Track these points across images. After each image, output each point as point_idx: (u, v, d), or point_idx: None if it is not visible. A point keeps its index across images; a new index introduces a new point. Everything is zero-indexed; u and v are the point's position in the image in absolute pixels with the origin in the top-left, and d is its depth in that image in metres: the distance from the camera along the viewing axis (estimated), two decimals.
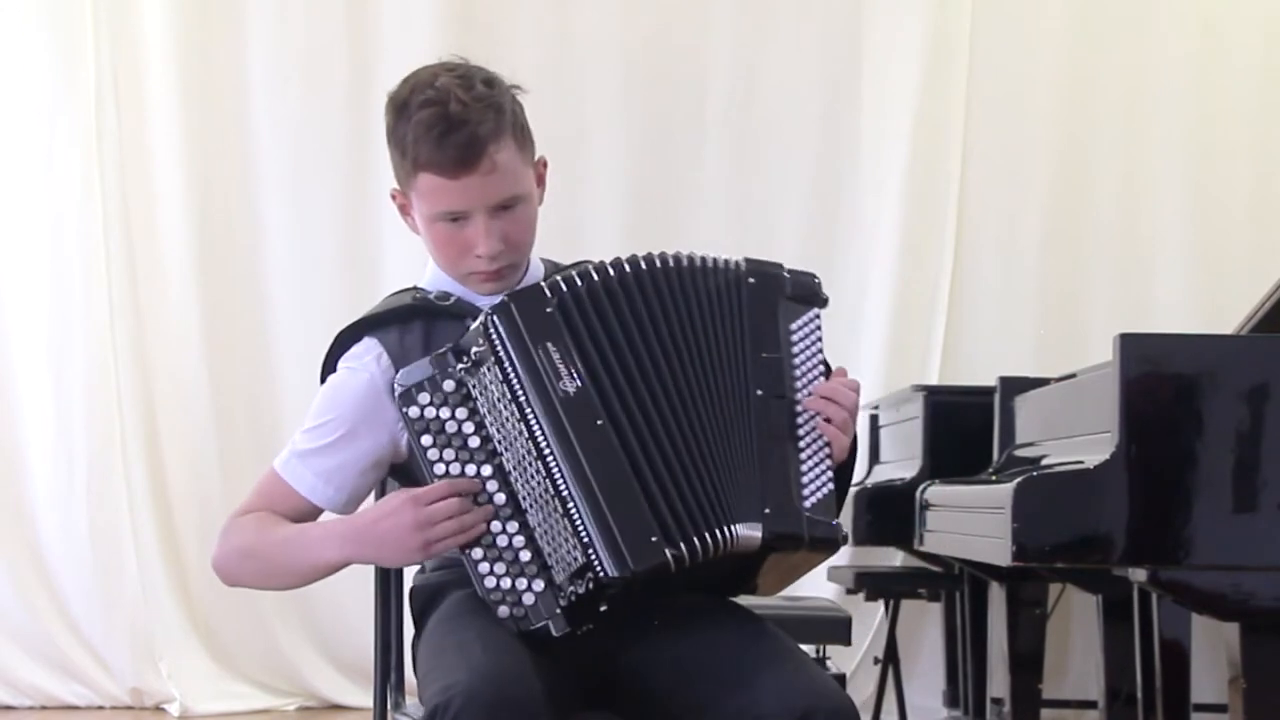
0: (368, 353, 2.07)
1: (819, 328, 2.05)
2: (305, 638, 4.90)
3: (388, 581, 2.33)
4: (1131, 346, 2.62)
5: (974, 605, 4.05)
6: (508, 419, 1.93)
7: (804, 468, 1.98)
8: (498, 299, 2.00)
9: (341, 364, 2.09)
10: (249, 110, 4.92)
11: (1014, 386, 3.52)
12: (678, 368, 1.98)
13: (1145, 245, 4.91)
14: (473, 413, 1.95)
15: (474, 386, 1.95)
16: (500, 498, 1.94)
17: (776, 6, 4.97)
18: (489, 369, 1.94)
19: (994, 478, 3.33)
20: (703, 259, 2.04)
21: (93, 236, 4.83)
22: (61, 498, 4.85)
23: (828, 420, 2.00)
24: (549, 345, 1.94)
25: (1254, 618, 2.59)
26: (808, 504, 1.96)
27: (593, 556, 1.88)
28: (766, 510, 1.94)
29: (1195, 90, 4.91)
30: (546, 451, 1.91)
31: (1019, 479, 2.67)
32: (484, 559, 1.93)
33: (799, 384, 2.01)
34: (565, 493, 1.90)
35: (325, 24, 4.91)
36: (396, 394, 1.96)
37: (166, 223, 4.89)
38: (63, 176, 4.86)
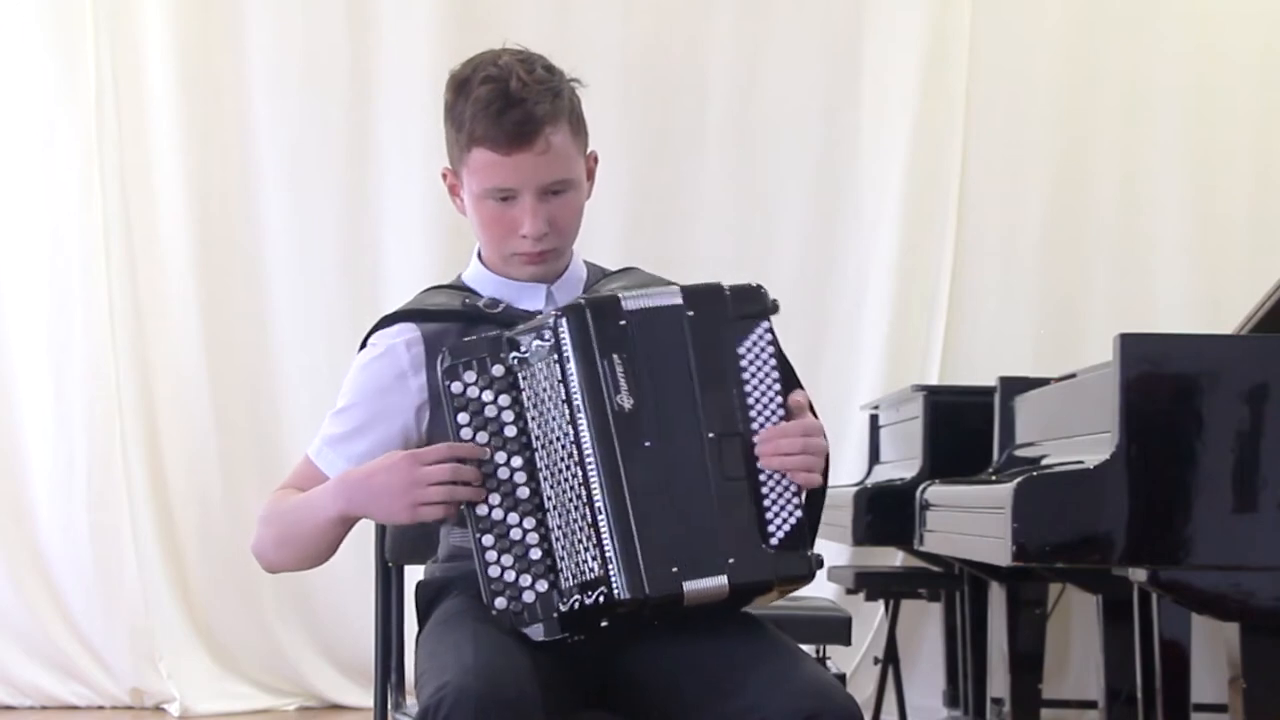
0: (400, 335, 2.09)
1: (771, 340, 1.98)
2: (305, 638, 4.90)
3: (388, 581, 2.34)
4: (1131, 346, 2.62)
5: (974, 605, 4.05)
6: (553, 418, 1.92)
7: (766, 502, 1.94)
8: (568, 300, 2.00)
9: (371, 341, 2.12)
10: (249, 110, 4.92)
11: (1014, 386, 3.52)
12: (677, 405, 1.95)
13: (1145, 245, 4.91)
14: (515, 402, 1.94)
15: (524, 378, 1.94)
16: (524, 492, 1.93)
17: (776, 7, 4.96)
18: (547, 365, 1.93)
19: (994, 478, 3.33)
20: (660, 291, 1.98)
21: (93, 236, 4.83)
22: (61, 498, 4.85)
23: (788, 455, 1.93)
24: (615, 357, 1.93)
25: (1254, 618, 2.59)
26: (774, 540, 1.93)
27: (611, 572, 1.88)
28: (731, 560, 1.91)
29: (1195, 90, 4.90)
30: (589, 459, 1.90)
31: (1019, 479, 2.67)
32: (494, 547, 1.91)
33: (753, 411, 1.95)
34: (598, 503, 1.89)
35: (325, 24, 4.91)
36: (441, 366, 1.95)
37: (166, 223, 4.89)
38: (63, 177, 4.86)
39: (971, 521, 2.99)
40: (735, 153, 4.95)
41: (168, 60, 4.87)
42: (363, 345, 2.14)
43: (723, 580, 1.91)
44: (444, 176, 2.13)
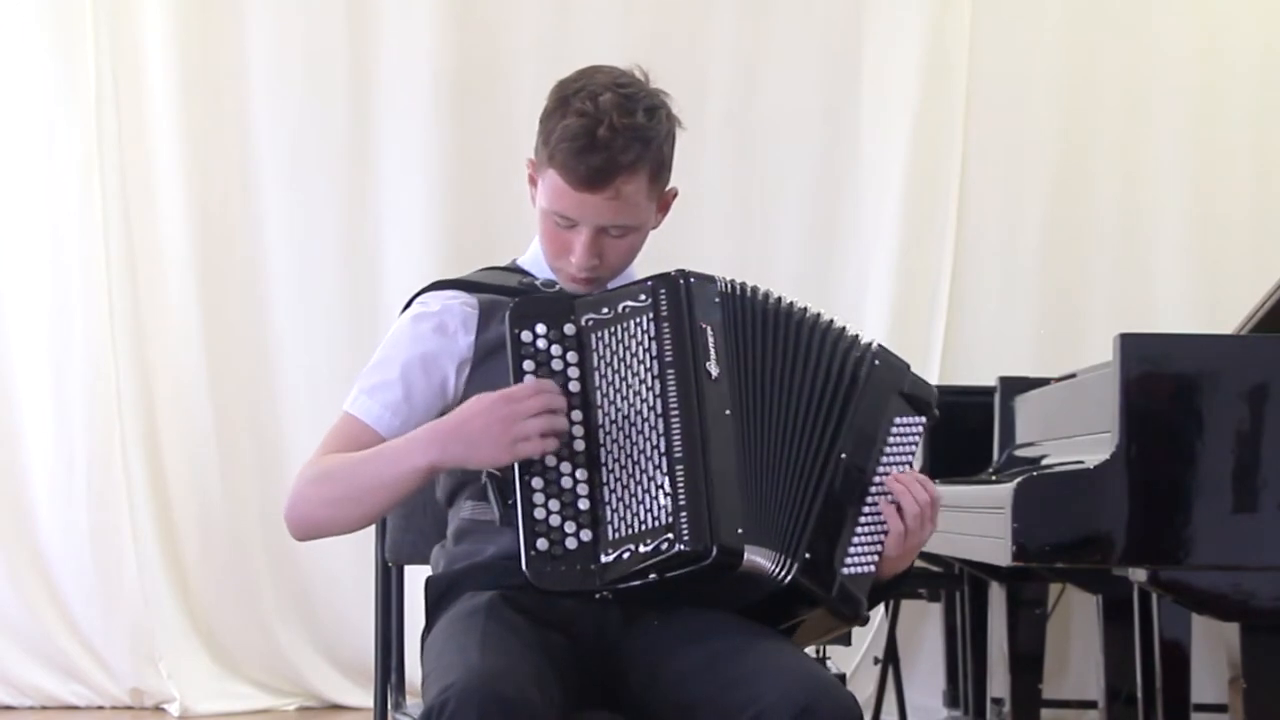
0: (455, 298, 2.13)
1: (920, 435, 2.10)
2: (305, 638, 4.90)
3: (388, 581, 2.34)
4: (1131, 346, 2.62)
5: (974, 605, 4.05)
6: (633, 375, 1.96)
7: (855, 540, 2.02)
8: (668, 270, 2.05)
9: (421, 299, 2.15)
10: (249, 110, 4.91)
11: (1014, 386, 3.53)
12: (789, 402, 2.02)
13: (1145, 245, 4.91)
14: (583, 361, 1.98)
15: (597, 338, 1.99)
16: (579, 445, 1.96)
17: (776, 7, 4.96)
18: (634, 325, 1.97)
19: (994, 478, 3.33)
20: (843, 326, 2.09)
21: (93, 237, 4.83)
22: (61, 498, 4.84)
23: (898, 507, 2.03)
24: (708, 328, 1.98)
25: (1254, 618, 2.59)
26: (845, 572, 2.00)
27: (681, 522, 1.89)
28: (807, 555, 1.97)
29: (1195, 90, 4.90)
30: (673, 415, 1.93)
31: (1019, 479, 2.67)
32: (542, 490, 1.94)
33: (881, 469, 2.06)
34: (678, 454, 1.92)
35: (325, 23, 4.91)
36: (510, 314, 1.99)
37: (167, 223, 4.89)
38: (63, 177, 4.85)
39: (971, 521, 2.99)
40: (735, 153, 4.95)
41: (168, 60, 4.86)
42: (408, 306, 2.16)
43: (788, 571, 1.95)
44: (528, 164, 2.15)
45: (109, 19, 4.84)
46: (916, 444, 2.10)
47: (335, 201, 4.92)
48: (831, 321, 2.09)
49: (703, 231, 4.89)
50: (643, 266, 2.27)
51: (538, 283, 2.14)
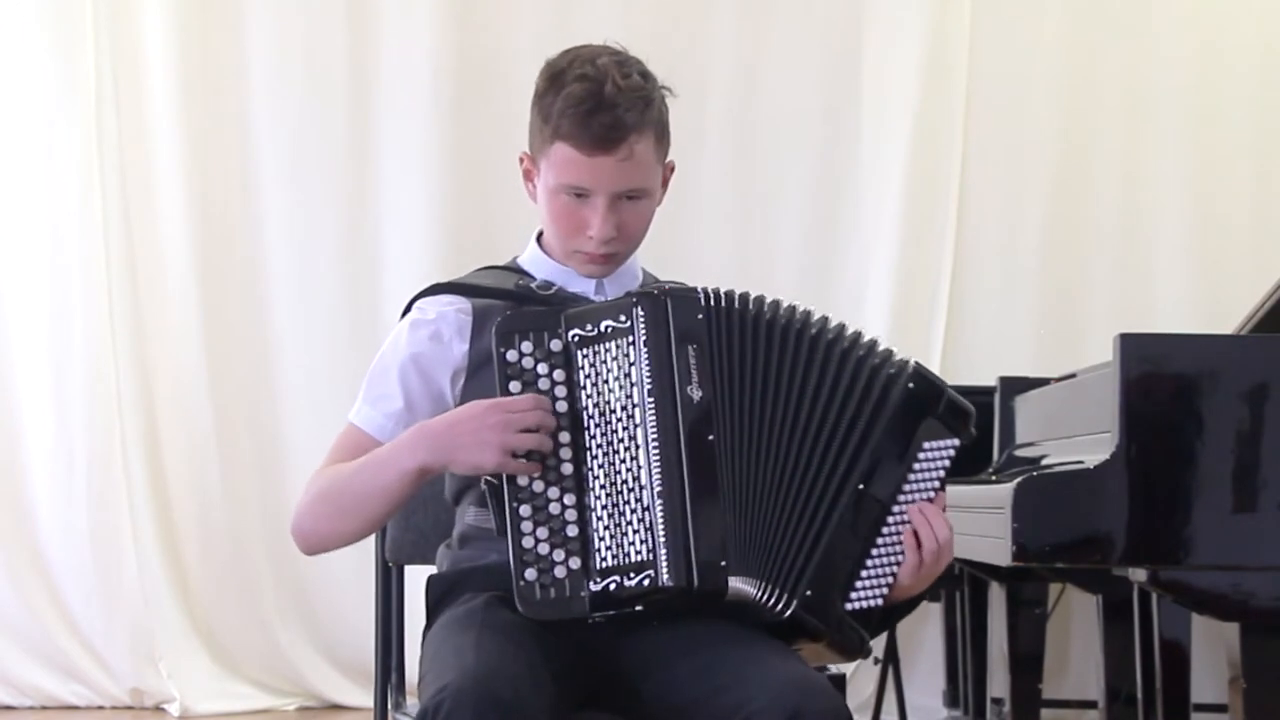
0: (450, 304, 2.11)
1: (950, 459, 2.01)
2: (305, 638, 4.90)
3: (388, 581, 2.34)
4: (1131, 346, 2.63)
5: (974, 605, 4.05)
6: (615, 401, 1.93)
7: (864, 573, 1.98)
8: (618, 292, 2.04)
9: (416, 305, 2.13)
10: (249, 110, 4.91)
11: (1014, 386, 3.53)
12: (793, 421, 1.97)
13: (1145, 245, 4.91)
14: (569, 379, 1.95)
15: (583, 356, 1.95)
16: (567, 468, 1.93)
17: (776, 7, 4.97)
18: (615, 347, 1.93)
19: (994, 478, 3.33)
20: (873, 341, 2.01)
21: (93, 237, 4.83)
22: (61, 498, 4.85)
23: (917, 539, 1.98)
24: (690, 348, 1.93)
25: (1254, 618, 2.60)
26: (849, 607, 1.97)
27: (662, 558, 1.87)
28: (808, 593, 1.94)
29: (1195, 90, 4.90)
30: (653, 444, 1.90)
31: (1019, 479, 2.67)
32: (530, 518, 1.91)
33: (902, 499, 1.99)
34: (658, 488, 1.89)
35: (325, 23, 4.91)
36: (496, 331, 1.96)
37: (166, 223, 4.89)
38: (63, 177, 4.85)
39: (971, 521, 2.99)
40: (735, 153, 4.95)
41: (168, 60, 4.86)
42: (406, 310, 2.15)
43: (788, 608, 1.93)
44: (520, 160, 2.15)
45: (109, 19, 4.84)
46: (946, 468, 2.01)
47: (335, 201, 4.92)
48: (859, 336, 2.01)
49: (703, 231, 4.89)
50: (644, 267, 2.27)
51: (534, 285, 2.12)
